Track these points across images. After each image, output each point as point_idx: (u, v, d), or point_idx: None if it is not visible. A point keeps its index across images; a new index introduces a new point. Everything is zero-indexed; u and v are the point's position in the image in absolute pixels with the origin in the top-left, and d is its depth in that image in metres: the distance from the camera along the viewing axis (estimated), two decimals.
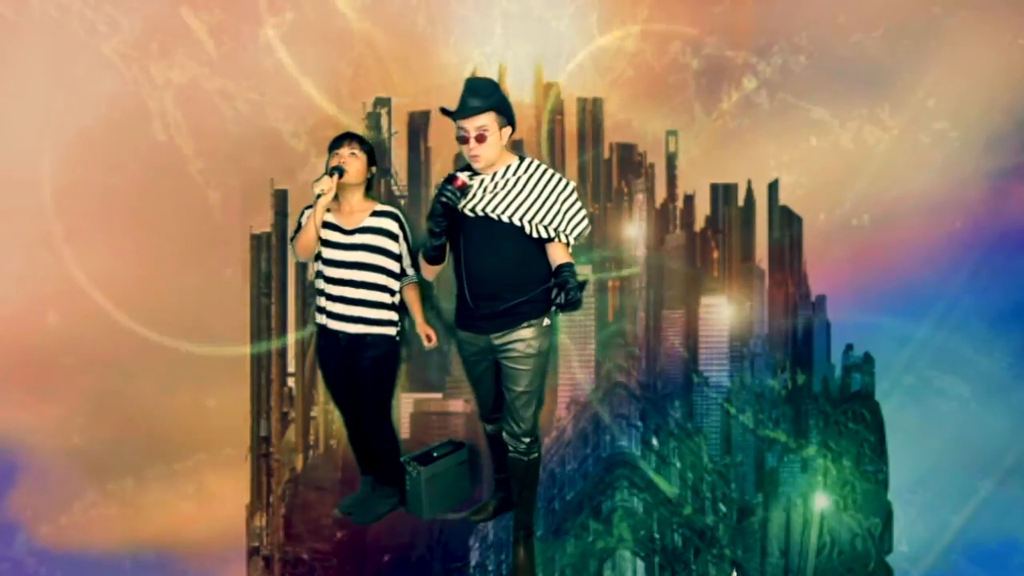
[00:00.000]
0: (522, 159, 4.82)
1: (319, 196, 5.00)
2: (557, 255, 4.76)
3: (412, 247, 5.21)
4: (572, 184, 4.80)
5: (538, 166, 4.82)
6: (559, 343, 6.21)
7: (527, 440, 5.02)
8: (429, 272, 5.03)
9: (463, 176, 4.71)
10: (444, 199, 4.67)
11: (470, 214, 4.79)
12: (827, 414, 6.30)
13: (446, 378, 6.21)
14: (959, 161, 6.23)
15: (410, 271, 5.24)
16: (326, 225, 5.14)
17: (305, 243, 5.14)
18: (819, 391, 6.34)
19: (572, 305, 4.56)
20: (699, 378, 6.36)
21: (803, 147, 6.28)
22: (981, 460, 6.20)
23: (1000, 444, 6.21)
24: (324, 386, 5.67)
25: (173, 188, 6.09)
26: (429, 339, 5.31)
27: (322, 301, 5.25)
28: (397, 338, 5.25)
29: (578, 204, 4.78)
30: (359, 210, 5.18)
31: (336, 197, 5.12)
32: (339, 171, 5.06)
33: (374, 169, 5.24)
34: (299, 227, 5.26)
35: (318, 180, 5.02)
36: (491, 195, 4.75)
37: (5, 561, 6.09)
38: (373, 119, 6.23)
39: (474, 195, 4.76)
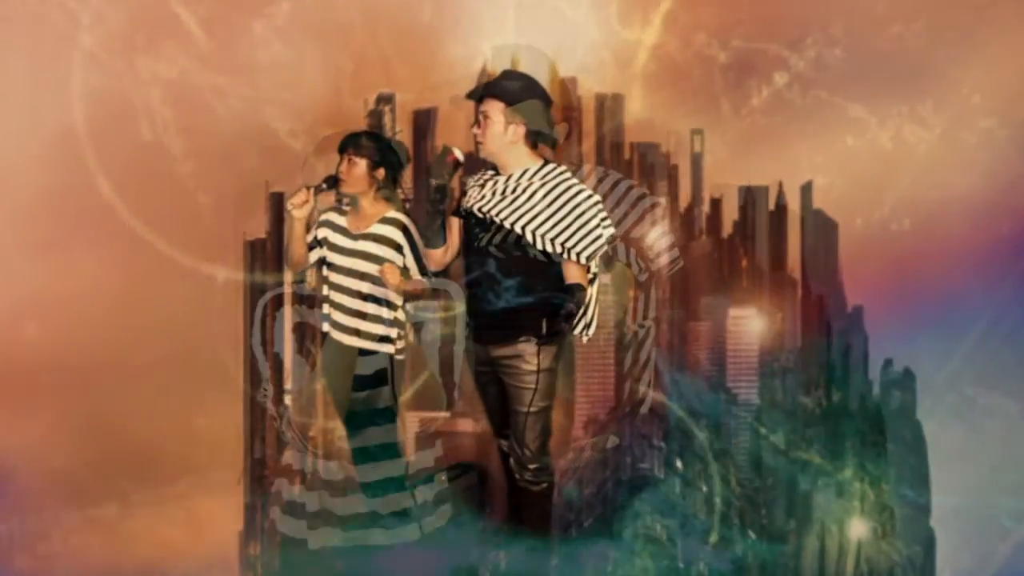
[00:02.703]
0: (546, 163, 4.86)
1: (289, 210, 5.09)
2: (571, 273, 4.78)
3: (419, 257, 5.24)
4: (596, 198, 4.82)
5: (559, 173, 4.84)
6: (574, 357, 6.17)
7: (533, 467, 4.98)
8: (433, 261, 5.06)
9: (457, 152, 4.83)
10: (434, 171, 4.81)
11: (478, 214, 4.85)
12: (864, 434, 6.32)
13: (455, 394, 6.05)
14: (1007, 161, 6.25)
15: (416, 276, 5.24)
16: (335, 228, 5.21)
17: (287, 259, 5.24)
18: (856, 409, 6.35)
19: (553, 335, 4.62)
20: (727, 395, 6.39)
21: (839, 147, 6.28)
22: None
23: None
24: (328, 399, 5.59)
25: (161, 191, 6.10)
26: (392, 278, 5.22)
27: (326, 307, 5.29)
28: (400, 356, 5.24)
29: (595, 220, 4.78)
30: (370, 214, 5.20)
31: (355, 201, 5.18)
32: (327, 183, 5.12)
33: (380, 172, 5.22)
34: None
35: (294, 193, 5.08)
36: (499, 197, 4.81)
37: None
38: (376, 116, 6.26)
39: (483, 195, 4.83)
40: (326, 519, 4.91)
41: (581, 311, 4.84)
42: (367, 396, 5.21)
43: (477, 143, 4.87)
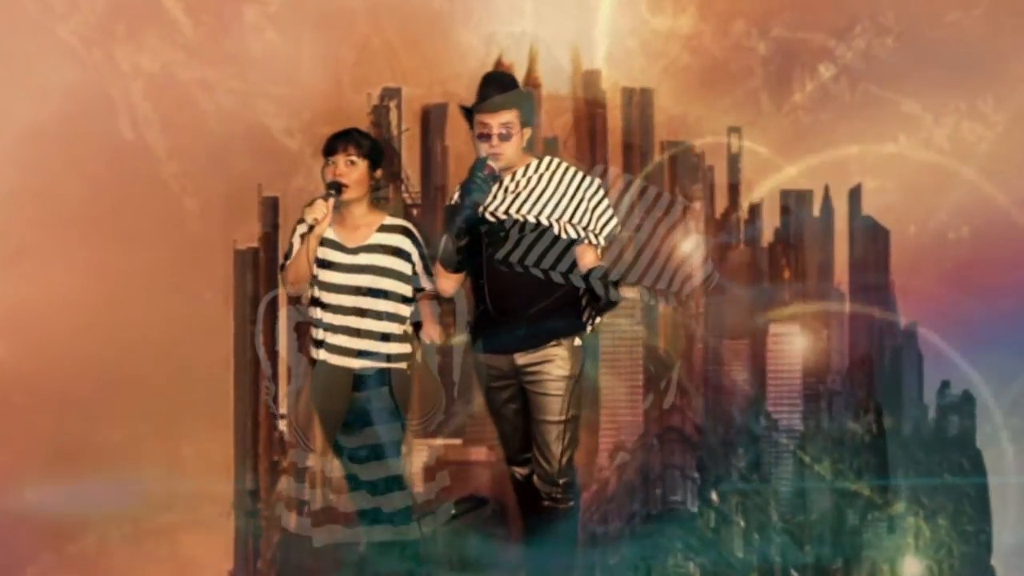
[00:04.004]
0: (540, 159, 4.92)
1: (311, 227, 4.86)
2: (587, 259, 4.79)
3: (427, 264, 5.09)
4: (599, 181, 4.89)
5: (559, 163, 4.88)
6: (600, 379, 6.17)
7: (562, 482, 4.84)
8: (449, 284, 4.94)
9: (492, 163, 4.74)
10: (475, 187, 4.68)
11: (491, 218, 4.76)
12: (919, 463, 6.28)
13: (466, 422, 6.13)
14: None
15: (428, 285, 5.07)
16: (325, 242, 4.96)
17: (295, 277, 5.00)
18: (909, 436, 6.34)
19: (608, 304, 4.63)
20: (767, 421, 6.33)
21: (890, 147, 6.27)
22: None
23: None
24: (321, 431, 5.36)
25: (143, 195, 6.06)
26: (432, 338, 5.24)
27: (319, 333, 5.01)
28: (409, 372, 5.05)
29: (606, 202, 4.87)
30: (364, 224, 4.95)
31: (336, 207, 4.92)
32: (336, 189, 4.89)
33: (379, 173, 5.04)
34: (290, 251, 5.04)
35: (309, 206, 4.86)
36: (512, 195, 4.77)
37: None
38: (380, 113, 6.22)
39: (494, 197, 4.76)
40: (330, 516, 4.94)
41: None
42: (367, 395, 5.03)
43: (497, 155, 4.77)
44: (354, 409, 5.08)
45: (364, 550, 5.53)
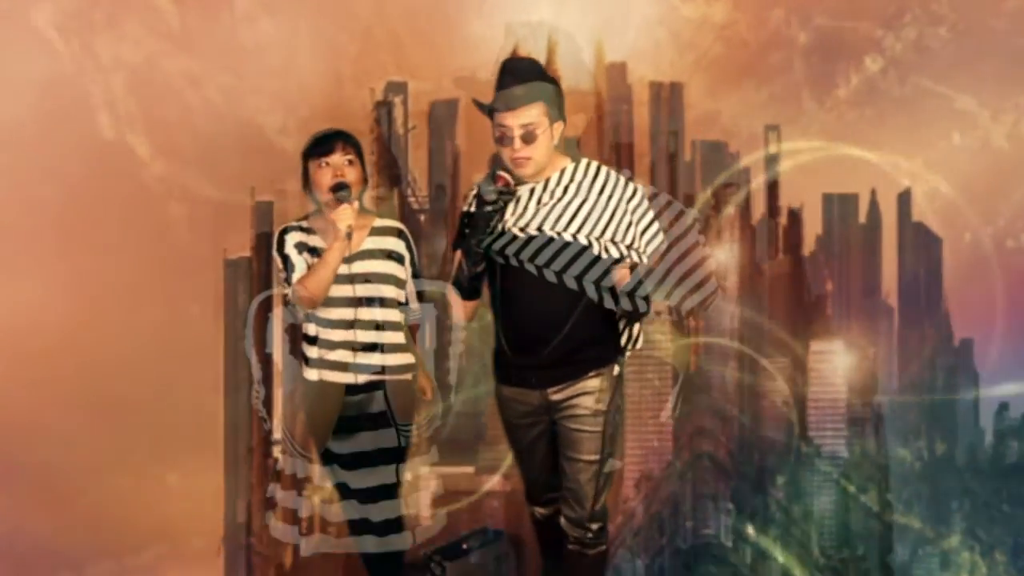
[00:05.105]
0: (576, 162, 4.70)
1: (349, 235, 4.80)
2: (623, 275, 4.61)
3: (416, 271, 5.01)
4: (642, 191, 4.65)
5: (597, 168, 4.65)
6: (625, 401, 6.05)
7: (595, 527, 4.67)
8: (464, 312, 4.78)
9: (507, 175, 4.52)
10: (489, 206, 4.48)
11: (519, 234, 4.52)
12: (975, 494, 6.24)
13: (479, 447, 6.11)
14: None
15: (414, 304, 4.99)
16: (314, 252, 4.87)
17: (318, 293, 4.88)
18: (964, 464, 6.31)
19: (637, 312, 4.46)
20: (808, 447, 6.28)
21: (943, 146, 6.30)
22: None
23: None
24: (313, 440, 5.17)
25: (124, 200, 6.02)
26: (424, 392, 5.24)
27: (313, 350, 4.88)
28: (409, 380, 5.10)
29: (651, 215, 4.67)
30: (356, 227, 4.93)
31: (320, 211, 4.89)
32: (347, 191, 4.80)
33: (366, 175, 5.10)
34: (288, 264, 4.90)
35: (337, 213, 4.86)
36: (546, 208, 4.53)
37: None
38: (384, 110, 6.18)
39: (524, 209, 4.52)
40: (319, 525, 4.94)
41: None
42: (360, 400, 4.87)
43: (521, 160, 4.55)
44: (347, 414, 4.88)
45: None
